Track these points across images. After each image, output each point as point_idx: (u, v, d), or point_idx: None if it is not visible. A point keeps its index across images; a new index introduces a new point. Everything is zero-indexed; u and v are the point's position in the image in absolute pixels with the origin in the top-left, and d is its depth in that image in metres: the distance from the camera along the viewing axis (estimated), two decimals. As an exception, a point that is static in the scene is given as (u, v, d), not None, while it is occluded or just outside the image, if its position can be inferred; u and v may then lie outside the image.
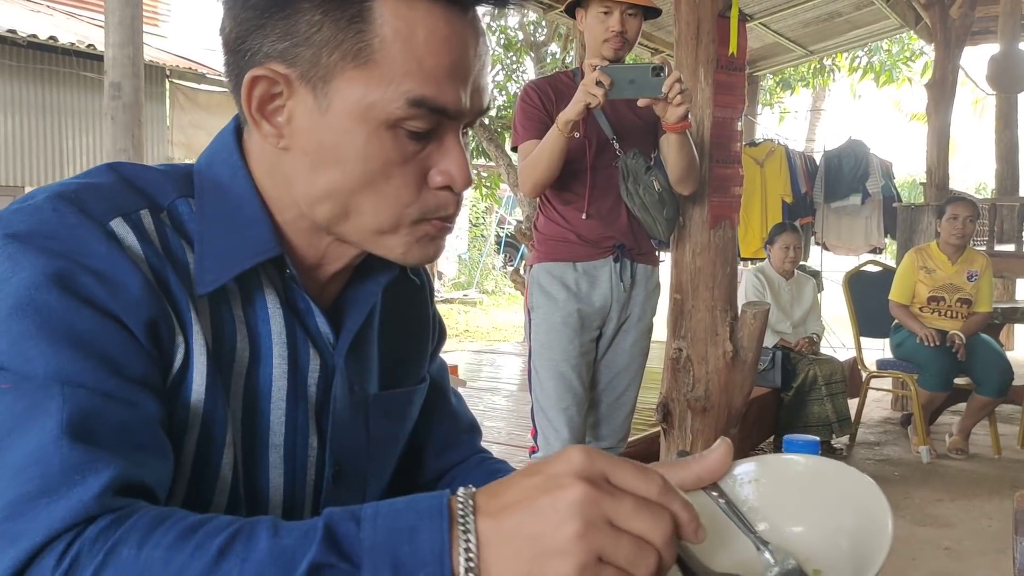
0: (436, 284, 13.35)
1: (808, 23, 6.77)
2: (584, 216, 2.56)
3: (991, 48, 7.26)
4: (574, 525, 0.48)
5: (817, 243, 6.98)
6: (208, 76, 9.29)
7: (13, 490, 0.55)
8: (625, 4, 2.47)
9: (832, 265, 8.26)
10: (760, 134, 8.26)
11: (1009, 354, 5.09)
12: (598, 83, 2.25)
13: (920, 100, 10.05)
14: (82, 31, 8.56)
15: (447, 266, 14.19)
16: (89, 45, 7.78)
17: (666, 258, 3.08)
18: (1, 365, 0.60)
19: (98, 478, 0.56)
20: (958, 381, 4.54)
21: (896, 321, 4.78)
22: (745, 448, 4.22)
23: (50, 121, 8.20)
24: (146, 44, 4.43)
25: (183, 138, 8.80)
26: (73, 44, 7.82)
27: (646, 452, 3.61)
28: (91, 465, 0.56)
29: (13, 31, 7.38)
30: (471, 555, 0.50)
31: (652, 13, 2.56)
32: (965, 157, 19.33)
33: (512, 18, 10.03)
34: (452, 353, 8.05)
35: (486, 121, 9.43)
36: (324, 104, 0.69)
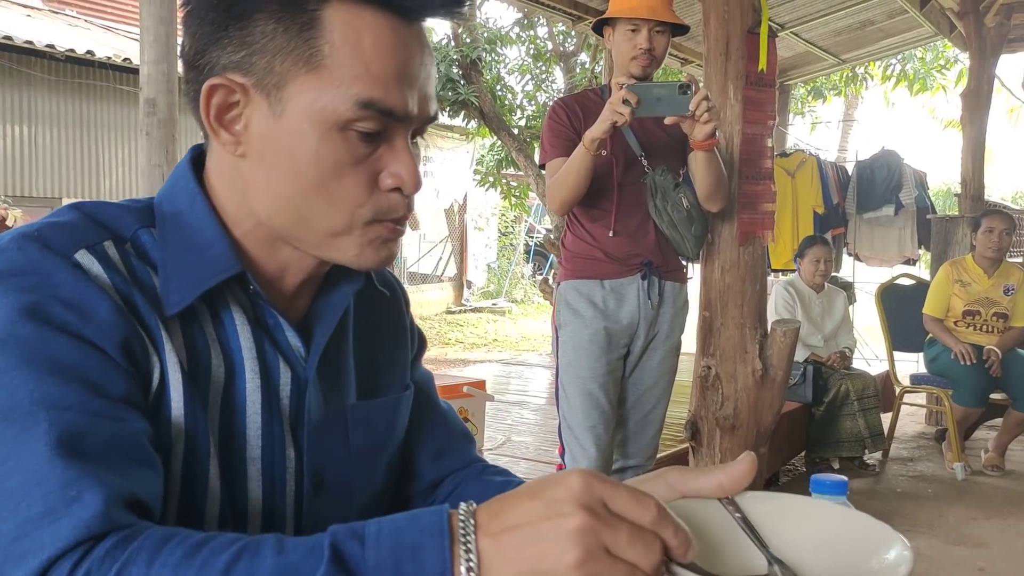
0: (465, 293, 13.38)
1: (840, 32, 6.69)
2: (611, 233, 2.55)
3: (1028, 56, 7.14)
4: (574, 554, 0.50)
5: (849, 254, 6.90)
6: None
7: (17, 514, 0.58)
8: (653, 21, 2.47)
9: (865, 276, 8.16)
10: (791, 143, 8.19)
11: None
12: (625, 101, 2.25)
13: (955, 107, 9.93)
14: (119, 45, 8.71)
15: (476, 275, 14.21)
16: (125, 59, 7.91)
17: (695, 274, 3.06)
18: None
19: (94, 493, 0.58)
20: (994, 396, 4.47)
21: (930, 335, 4.71)
22: (775, 464, 4.18)
23: (87, 134, 8.35)
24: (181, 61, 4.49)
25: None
26: (110, 58, 7.96)
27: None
28: (85, 480, 0.59)
29: (52, 46, 7.53)
30: (473, 573, 0.52)
31: (680, 30, 2.56)
32: (1000, 166, 19.02)
33: (541, 28, 10.05)
34: (480, 364, 8.07)
35: (515, 131, 9.46)
36: (278, 109, 0.72)
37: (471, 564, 0.52)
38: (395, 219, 0.77)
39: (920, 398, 5.58)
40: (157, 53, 3.64)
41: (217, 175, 0.79)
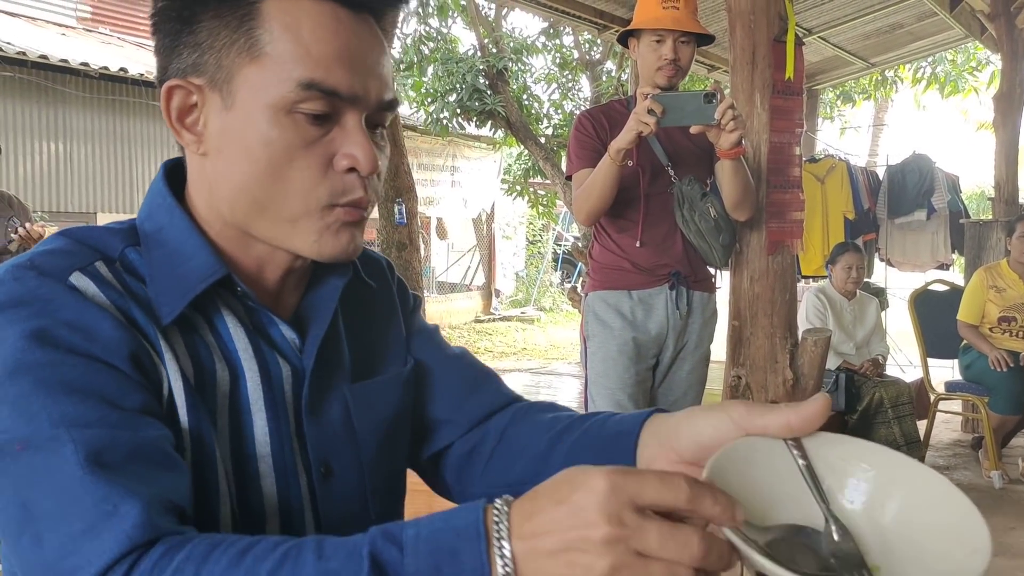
0: (494, 302, 13.39)
1: (869, 36, 6.62)
2: (638, 244, 2.55)
3: (1062, 57, 7.02)
4: (603, 564, 0.51)
5: (881, 259, 6.82)
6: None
7: (58, 534, 0.60)
8: (678, 32, 2.46)
9: (898, 282, 8.05)
10: (820, 148, 8.12)
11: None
12: (650, 111, 2.25)
13: (988, 109, 9.79)
14: (151, 62, 8.77)
15: (504, 283, 14.22)
16: (157, 75, 8.03)
17: (724, 284, 3.04)
18: (8, 430, 0.64)
19: (130, 505, 0.60)
20: (1032, 404, 4.39)
21: (965, 342, 4.64)
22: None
23: (121, 149, 8.49)
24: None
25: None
26: (142, 75, 8.09)
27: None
28: (118, 493, 0.61)
29: (86, 64, 7.67)
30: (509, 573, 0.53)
31: (705, 40, 2.55)
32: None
33: (567, 37, 10.07)
34: (510, 373, 8.07)
35: (542, 140, 9.47)
36: (229, 102, 0.75)
37: (508, 571, 0.53)
38: (353, 202, 0.78)
39: (956, 405, 5.49)
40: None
41: (192, 182, 0.82)
